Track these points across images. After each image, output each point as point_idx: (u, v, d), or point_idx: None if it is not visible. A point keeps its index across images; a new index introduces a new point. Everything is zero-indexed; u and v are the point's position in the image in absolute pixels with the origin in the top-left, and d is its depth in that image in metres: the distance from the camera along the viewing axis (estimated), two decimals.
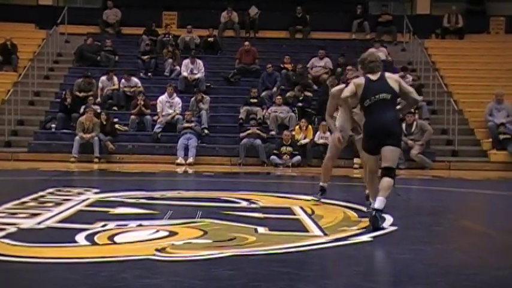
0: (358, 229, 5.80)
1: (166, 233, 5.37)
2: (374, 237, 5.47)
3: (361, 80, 6.27)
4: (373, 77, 6.22)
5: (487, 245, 5.61)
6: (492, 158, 15.20)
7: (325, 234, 5.52)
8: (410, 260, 4.71)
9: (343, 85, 7.15)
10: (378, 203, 5.88)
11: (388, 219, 6.32)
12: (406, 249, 5.12)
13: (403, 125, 14.82)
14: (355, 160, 14.52)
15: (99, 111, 15.59)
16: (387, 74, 6.31)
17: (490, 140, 15.52)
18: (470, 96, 17.52)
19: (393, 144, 6.09)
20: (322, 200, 7.54)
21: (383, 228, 5.79)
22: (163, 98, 15.94)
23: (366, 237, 5.42)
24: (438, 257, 4.91)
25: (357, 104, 6.51)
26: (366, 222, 6.15)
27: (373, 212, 5.87)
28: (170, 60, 18.03)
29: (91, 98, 16.18)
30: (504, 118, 15.57)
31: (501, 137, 15.17)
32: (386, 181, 6.02)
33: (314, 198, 7.50)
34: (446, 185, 7.39)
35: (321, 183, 7.57)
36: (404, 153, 14.50)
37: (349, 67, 17.83)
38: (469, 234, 6.17)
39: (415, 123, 14.82)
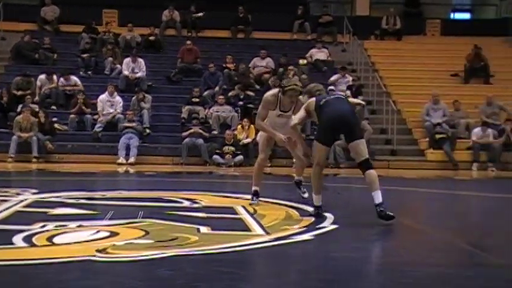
0: (300, 228, 5.86)
1: (107, 234, 5.30)
2: (315, 235, 5.53)
3: (311, 100, 6.67)
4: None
5: (425, 243, 5.75)
6: (429, 157, 15.59)
7: (267, 233, 5.55)
8: (350, 258, 4.79)
9: (276, 90, 7.34)
10: (377, 197, 6.11)
11: (329, 217, 6.43)
12: (346, 247, 5.20)
13: None
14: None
15: (37, 110, 15.25)
16: None
17: (427, 139, 15.91)
18: (408, 96, 17.92)
19: (359, 137, 6.41)
20: (266, 200, 7.57)
21: (393, 217, 5.96)
22: (103, 97, 15.72)
23: (307, 236, 5.48)
24: (377, 254, 5.01)
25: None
26: (307, 220, 6.23)
27: (377, 209, 6.07)
28: (110, 59, 17.80)
29: (29, 96, 15.82)
30: (440, 118, 15.99)
31: (437, 136, 15.58)
32: (372, 173, 6.26)
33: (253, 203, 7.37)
34: (385, 184, 7.55)
35: (253, 188, 7.40)
36: (344, 152, 14.77)
37: (290, 67, 18.28)
38: (407, 232, 6.31)
39: None
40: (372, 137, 15.60)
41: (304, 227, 5.92)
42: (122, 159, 14.39)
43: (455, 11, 25.63)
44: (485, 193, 10.35)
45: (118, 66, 17.64)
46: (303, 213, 6.72)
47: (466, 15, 26.29)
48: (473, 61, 18.70)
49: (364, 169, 6.31)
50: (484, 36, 20.14)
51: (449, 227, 6.63)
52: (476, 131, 15.52)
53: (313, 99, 6.63)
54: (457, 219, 7.31)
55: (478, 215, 8.14)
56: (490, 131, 15.51)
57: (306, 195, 7.63)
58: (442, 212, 7.96)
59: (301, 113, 6.73)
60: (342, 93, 6.72)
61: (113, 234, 5.29)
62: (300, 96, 7.08)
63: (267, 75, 17.56)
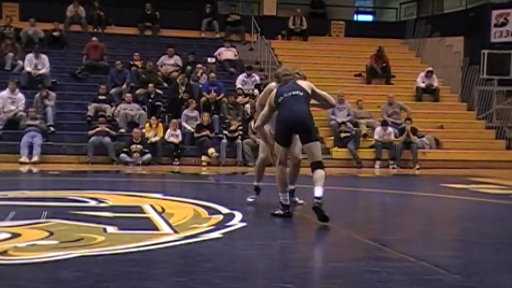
0: (208, 226, 5.89)
1: (8, 235, 5.14)
2: (224, 233, 5.58)
3: (274, 89, 6.82)
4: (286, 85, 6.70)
5: (330, 239, 5.92)
6: (334, 155, 15.97)
7: (176, 232, 5.54)
8: (258, 255, 4.87)
9: (272, 84, 7.32)
10: (319, 191, 6.30)
11: (238, 215, 6.49)
12: (253, 244, 5.28)
13: (251, 123, 15.22)
14: (203, 158, 14.70)
15: None
16: (299, 81, 6.78)
17: (332, 137, 16.30)
18: None
19: (314, 139, 6.57)
20: (173, 198, 7.55)
21: (327, 219, 6.14)
22: (4, 93, 15.14)
23: (216, 234, 5.52)
24: (283, 251, 5.11)
25: None
26: (216, 219, 6.27)
27: (315, 201, 6.25)
28: (11, 54, 17.16)
29: None
30: (345, 117, 16.42)
31: (342, 135, 15.99)
32: (320, 172, 6.48)
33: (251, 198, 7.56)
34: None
35: (255, 183, 7.73)
36: (252, 150, 14.90)
37: (199, 65, 18.24)
38: (312, 229, 6.46)
39: None
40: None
41: (212, 225, 5.96)
42: (24, 158, 13.92)
43: (358, 13, 26.39)
44: (387, 190, 10.74)
45: (20, 62, 17.03)
46: (212, 211, 6.75)
47: (369, 18, 27.15)
48: (376, 62, 19.32)
49: (314, 169, 6.49)
50: (385, 38, 20.88)
51: (352, 222, 6.85)
52: (378, 130, 16.05)
53: (274, 91, 6.70)
54: (360, 215, 7.56)
55: (380, 211, 8.44)
56: (391, 129, 16.08)
57: (301, 201, 7.69)
58: (345, 208, 8.20)
59: (264, 110, 6.82)
60: (303, 85, 6.65)
61: (15, 235, 5.14)
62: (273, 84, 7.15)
63: (175, 74, 17.46)
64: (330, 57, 20.53)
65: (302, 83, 6.72)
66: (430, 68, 18.71)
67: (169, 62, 18.07)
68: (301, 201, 7.68)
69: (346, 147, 15.81)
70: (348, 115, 16.54)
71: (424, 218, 7.62)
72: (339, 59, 20.46)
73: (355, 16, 25.75)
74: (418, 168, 15.38)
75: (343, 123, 16.11)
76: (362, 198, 9.71)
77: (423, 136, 16.43)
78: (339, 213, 7.48)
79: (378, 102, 17.48)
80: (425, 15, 22.39)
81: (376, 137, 15.95)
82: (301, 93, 6.56)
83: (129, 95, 15.87)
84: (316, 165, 6.52)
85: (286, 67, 7.43)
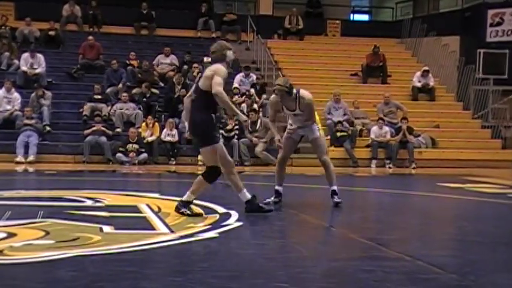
0: (205, 226, 5.89)
1: (4, 235, 5.13)
2: (220, 233, 5.57)
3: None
4: None
5: (325, 238, 5.92)
6: (330, 155, 15.85)
7: (172, 232, 5.54)
8: (253, 254, 4.86)
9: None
10: (186, 196, 6.47)
11: (234, 215, 6.49)
12: (249, 244, 5.28)
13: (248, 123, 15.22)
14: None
15: None
16: (205, 72, 6.59)
17: (329, 137, 16.31)
18: None
19: (201, 146, 6.52)
20: (170, 198, 7.54)
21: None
22: (0, 93, 15.12)
23: (212, 234, 5.52)
24: (279, 250, 5.11)
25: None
26: (212, 218, 6.27)
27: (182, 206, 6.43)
28: (7, 54, 17.13)
29: None
30: (341, 117, 16.44)
31: (338, 134, 16.00)
32: (198, 178, 6.56)
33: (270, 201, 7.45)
34: (288, 181, 7.71)
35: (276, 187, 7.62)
36: (248, 150, 14.92)
37: (195, 65, 18.22)
38: (308, 228, 6.46)
39: (259, 120, 15.26)
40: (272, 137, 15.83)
41: (208, 224, 5.95)
42: (20, 158, 13.90)
43: (354, 12, 26.41)
44: (383, 189, 10.75)
45: (16, 61, 17.00)
46: (208, 211, 6.75)
47: (365, 17, 27.17)
48: (373, 61, 19.34)
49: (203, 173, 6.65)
50: (381, 38, 20.89)
51: (348, 222, 6.85)
52: (374, 129, 16.06)
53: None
54: (356, 214, 7.56)
55: (376, 211, 8.44)
56: (387, 129, 16.10)
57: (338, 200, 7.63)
58: (342, 208, 8.19)
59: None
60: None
61: (11, 235, 5.13)
62: (303, 92, 7.38)
63: (171, 73, 17.45)
64: (326, 56, 20.54)
65: (203, 78, 6.50)
66: (426, 68, 18.74)
67: (165, 62, 18.06)
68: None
69: (343, 146, 15.81)
70: (344, 114, 16.55)
71: (420, 217, 7.63)
72: (335, 58, 20.47)
73: (351, 15, 25.76)
74: (414, 168, 15.40)
75: (339, 122, 16.12)
76: (358, 198, 9.71)
77: (419, 135, 16.45)
78: (335, 213, 7.49)
79: (374, 101, 17.49)
80: (421, 14, 22.43)
81: (372, 136, 15.96)
82: (194, 96, 6.55)
83: (125, 94, 15.86)
84: (206, 169, 6.58)
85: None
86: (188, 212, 6.40)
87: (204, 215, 6.41)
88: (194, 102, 6.50)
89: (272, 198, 7.50)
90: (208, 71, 6.46)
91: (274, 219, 6.57)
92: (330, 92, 17.13)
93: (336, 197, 7.59)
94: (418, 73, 18.67)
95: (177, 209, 6.45)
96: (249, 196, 6.68)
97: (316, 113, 7.71)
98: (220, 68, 6.45)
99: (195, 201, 7.33)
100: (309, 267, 4.48)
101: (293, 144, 7.79)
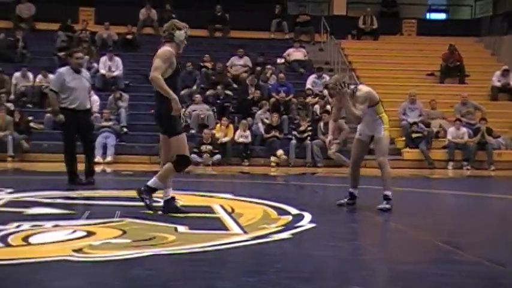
0: (278, 227, 5.88)
1: (84, 233, 5.27)
2: (293, 234, 5.56)
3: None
4: None
5: (398, 240, 5.81)
6: (405, 156, 15.71)
7: (245, 232, 5.56)
8: (327, 256, 4.82)
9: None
10: (152, 182, 6.31)
11: (307, 216, 6.45)
12: (323, 245, 5.23)
13: (321, 124, 15.15)
14: (272, 158, 14.72)
15: (12, 108, 15.09)
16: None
17: (404, 138, 16.03)
18: (384, 96, 17.84)
19: (169, 136, 6.44)
20: (243, 199, 7.57)
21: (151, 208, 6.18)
22: None
23: (285, 235, 5.50)
24: (353, 252, 5.04)
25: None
26: (285, 219, 6.26)
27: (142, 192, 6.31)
28: (87, 57, 17.65)
29: (3, 95, 15.64)
30: (416, 117, 16.13)
31: (414, 135, 15.70)
32: (168, 165, 6.39)
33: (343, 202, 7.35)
34: (362, 183, 7.61)
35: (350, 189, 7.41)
36: (321, 151, 14.84)
37: (268, 66, 18.26)
38: (382, 230, 6.37)
39: None
40: (349, 137, 15.67)
41: (281, 225, 5.94)
42: (98, 158, 14.27)
43: (431, 11, 25.86)
44: (460, 191, 10.47)
45: (95, 64, 17.52)
46: (281, 212, 6.74)
47: (442, 16, 26.55)
48: (449, 61, 18.88)
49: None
50: (459, 36, 20.36)
51: (424, 224, 6.70)
52: (451, 130, 15.67)
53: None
54: (432, 217, 7.39)
55: (452, 213, 8.23)
56: (464, 130, 15.68)
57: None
58: (417, 210, 8.03)
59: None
60: None
61: (90, 233, 5.27)
62: (360, 87, 7.19)
63: (244, 74, 17.56)
64: (401, 56, 20.21)
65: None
66: (506, 67, 18.15)
67: (239, 63, 18.19)
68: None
69: (418, 148, 15.51)
70: (420, 115, 16.23)
71: (499, 221, 7.38)
72: (410, 58, 20.11)
73: (428, 14, 25.23)
74: (493, 170, 14.93)
75: (415, 123, 15.82)
76: (434, 200, 9.50)
77: (499, 136, 15.94)
78: (410, 215, 7.35)
79: (451, 102, 17.07)
80: (502, 11, 21.67)
81: (449, 137, 15.59)
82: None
83: (198, 96, 16.07)
84: (175, 158, 6.40)
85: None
86: (147, 201, 6.26)
87: (157, 213, 6.27)
88: (155, 92, 6.31)
89: (345, 199, 7.41)
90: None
91: (348, 221, 6.51)
92: (405, 92, 16.83)
93: (385, 202, 7.12)
94: (498, 72, 18.10)
95: (139, 193, 6.32)
96: (169, 196, 6.51)
97: (383, 111, 7.36)
98: (161, 51, 6.27)
99: (266, 202, 7.34)
100: (383, 270, 4.41)
101: (363, 146, 7.47)
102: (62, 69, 9.36)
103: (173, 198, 6.56)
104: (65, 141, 9.23)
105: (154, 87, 6.17)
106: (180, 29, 6.40)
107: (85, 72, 9.60)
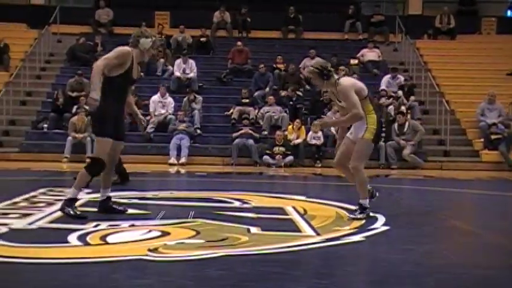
0: (351, 229, 5.83)
1: (159, 233, 5.37)
2: (366, 237, 5.49)
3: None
4: None
5: (476, 245, 5.64)
6: (484, 158, 15.27)
7: (318, 234, 5.53)
8: (401, 259, 4.74)
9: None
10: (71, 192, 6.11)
11: (381, 218, 6.36)
12: (396, 249, 5.15)
13: (395, 126, 14.91)
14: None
15: None
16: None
17: (482, 140, 15.58)
18: (462, 96, 17.58)
19: (95, 135, 6.27)
20: (315, 200, 7.54)
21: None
22: (155, 98, 15.93)
23: (358, 237, 5.45)
24: (428, 256, 4.93)
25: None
26: (358, 222, 6.18)
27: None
28: (162, 60, 18.03)
29: (83, 97, 16.14)
30: (496, 118, 15.65)
31: (493, 137, 15.24)
32: (81, 171, 6.15)
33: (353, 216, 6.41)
34: (437, 185, 7.43)
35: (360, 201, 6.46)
36: (396, 153, 14.61)
37: (341, 67, 18.18)
38: (458, 234, 6.20)
39: (407, 123, 14.89)
40: (424, 138, 15.39)
41: (355, 228, 5.88)
42: (173, 160, 14.55)
43: (511, 8, 25.04)
44: None
45: (170, 67, 17.87)
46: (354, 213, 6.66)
47: None
48: None
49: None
50: None
51: (501, 229, 6.48)
52: None
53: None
54: (510, 221, 7.14)
55: None
56: None
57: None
58: (494, 214, 7.78)
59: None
60: None
61: (164, 233, 5.36)
62: (342, 79, 6.49)
63: None
64: (479, 55, 19.67)
65: None
66: None
67: (311, 64, 18.09)
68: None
69: (497, 149, 15.04)
70: (499, 116, 15.74)
71: None
72: (489, 57, 19.54)
73: (508, 12, 24.44)
74: None
75: (494, 124, 15.35)
76: None
77: None
78: (486, 219, 7.13)
79: None
80: None
81: None
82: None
83: (271, 97, 16.12)
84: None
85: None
86: (71, 212, 6.01)
87: (87, 219, 6.00)
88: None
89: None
90: None
91: (422, 224, 6.37)
92: (483, 92, 16.37)
93: (357, 212, 6.36)
94: None
95: (62, 209, 6.05)
96: (105, 196, 6.37)
97: (371, 110, 6.41)
98: (121, 47, 6.07)
99: (339, 204, 7.28)
100: (459, 275, 4.29)
101: (348, 146, 6.50)
102: None
103: (109, 198, 6.40)
104: None
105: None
106: (147, 37, 6.16)
107: None
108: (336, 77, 6.46)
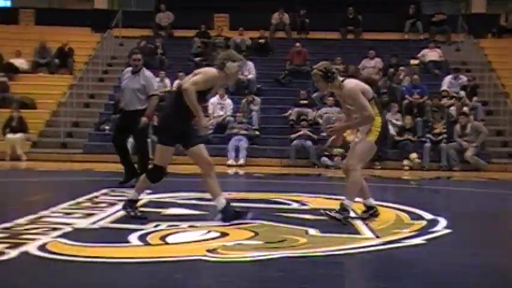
0: (411, 232, 5.73)
1: (218, 234, 5.40)
2: (427, 240, 5.39)
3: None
4: None
5: None
6: None
7: (377, 237, 5.46)
8: (464, 264, 4.63)
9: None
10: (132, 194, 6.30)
11: (442, 222, 6.23)
12: (459, 253, 5.03)
13: (457, 127, 14.60)
14: (405, 162, 14.38)
15: None
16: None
17: None
18: None
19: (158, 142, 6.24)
20: (375, 202, 7.44)
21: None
22: (214, 99, 16.05)
23: (419, 240, 5.35)
24: (493, 261, 4.80)
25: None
26: (419, 224, 6.08)
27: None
28: None
29: None
30: None
31: None
32: (142, 176, 6.38)
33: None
34: (502, 188, 7.21)
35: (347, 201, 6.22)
36: (458, 154, 14.30)
37: (401, 67, 17.89)
38: None
39: (469, 124, 14.56)
40: (488, 139, 15.00)
41: (415, 231, 5.78)
42: (231, 161, 14.62)
43: None
44: None
45: None
46: (414, 216, 6.56)
47: None
48: None
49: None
50: None
51: None
52: None
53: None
54: None
55: None
56: None
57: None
58: None
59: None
60: None
61: (223, 234, 5.39)
62: (347, 81, 6.28)
63: (376, 77, 17.28)
64: None
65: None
66: None
67: (369, 65, 17.95)
68: None
69: None
70: None
71: None
72: None
73: None
74: None
75: None
76: None
77: None
78: None
79: None
80: None
81: None
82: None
83: (330, 98, 16.02)
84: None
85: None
86: (132, 213, 6.12)
87: (147, 219, 6.02)
88: (170, 103, 6.19)
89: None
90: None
91: (486, 228, 6.21)
92: None
93: (334, 211, 6.14)
94: None
95: (124, 208, 6.21)
96: (224, 203, 6.09)
97: (377, 112, 6.20)
98: (209, 70, 5.99)
99: (399, 206, 7.18)
100: None
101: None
102: (126, 69, 9.68)
103: (229, 203, 6.22)
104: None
105: (185, 99, 5.83)
106: (234, 61, 5.99)
107: (143, 74, 9.56)
108: (340, 79, 6.28)
